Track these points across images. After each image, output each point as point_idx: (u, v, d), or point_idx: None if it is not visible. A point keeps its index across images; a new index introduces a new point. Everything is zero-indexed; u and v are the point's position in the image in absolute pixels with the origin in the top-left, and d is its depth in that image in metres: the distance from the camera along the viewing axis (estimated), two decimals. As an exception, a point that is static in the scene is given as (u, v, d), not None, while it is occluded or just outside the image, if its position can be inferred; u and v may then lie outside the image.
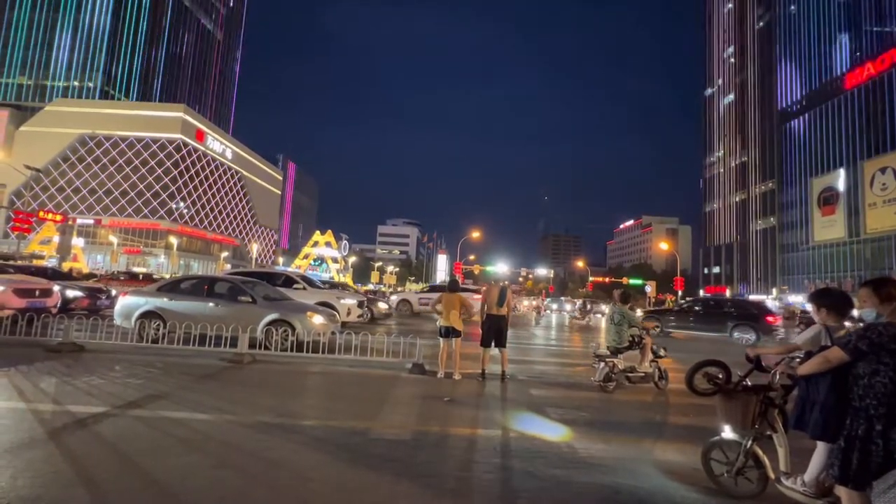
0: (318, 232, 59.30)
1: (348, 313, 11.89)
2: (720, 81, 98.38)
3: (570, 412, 5.19)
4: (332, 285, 15.10)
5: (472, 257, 67.77)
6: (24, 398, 4.55)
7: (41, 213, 35.01)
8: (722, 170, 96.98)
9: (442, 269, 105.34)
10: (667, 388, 6.60)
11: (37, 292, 9.33)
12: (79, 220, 65.80)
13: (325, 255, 54.68)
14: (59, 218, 35.64)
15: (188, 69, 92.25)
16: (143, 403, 4.58)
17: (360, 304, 12.77)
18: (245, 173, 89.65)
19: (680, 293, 50.49)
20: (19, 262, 16.62)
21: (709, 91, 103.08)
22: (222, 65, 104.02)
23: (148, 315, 8.41)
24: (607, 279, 74.83)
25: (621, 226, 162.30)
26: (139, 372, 6.03)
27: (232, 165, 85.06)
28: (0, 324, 7.65)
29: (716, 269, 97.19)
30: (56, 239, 39.48)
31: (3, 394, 4.71)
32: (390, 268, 78.61)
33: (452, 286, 7.26)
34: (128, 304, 8.59)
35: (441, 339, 6.97)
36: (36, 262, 24.78)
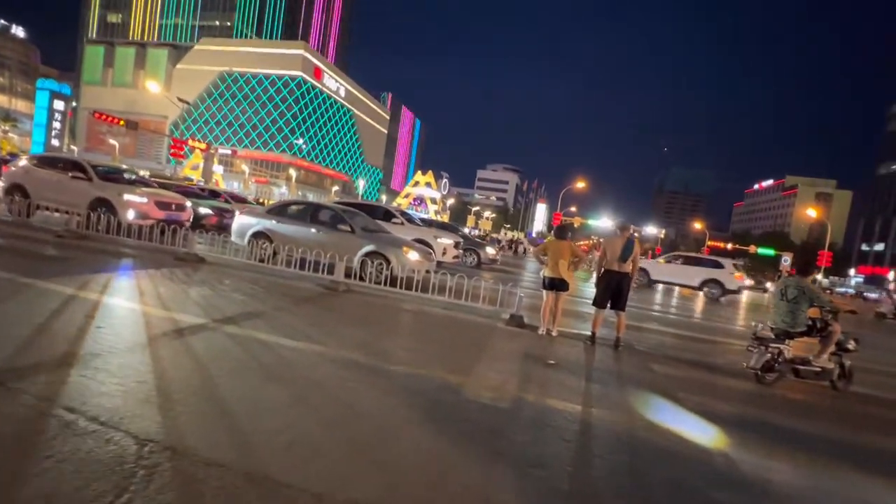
0: (419, 172, 60.14)
1: (444, 253, 11.49)
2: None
3: (713, 403, 4.09)
4: (433, 224, 14.82)
5: (573, 208, 64.06)
6: (142, 301, 4.77)
7: (190, 141, 39.95)
8: (914, 122, 76.37)
9: (540, 218, 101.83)
10: (848, 390, 5.05)
11: (173, 206, 10.28)
12: (220, 150, 75.39)
13: (424, 196, 55.58)
14: (203, 146, 40.51)
15: (309, 9, 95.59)
16: (239, 320, 4.53)
17: (457, 245, 12.29)
18: (356, 111, 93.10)
19: (823, 270, 42.55)
20: (173, 182, 18.82)
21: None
22: (339, 2, 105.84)
23: (259, 235, 8.77)
24: (729, 245, 66.00)
25: (756, 186, 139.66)
26: (244, 288, 6.18)
27: (345, 103, 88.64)
28: (143, 232, 8.52)
29: (879, 247, 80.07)
30: (202, 165, 45.36)
31: (128, 294, 5.01)
32: (487, 213, 77.95)
33: (561, 232, 6.24)
34: (242, 223, 9.03)
35: (545, 292, 6.12)
36: (188, 184, 28.60)
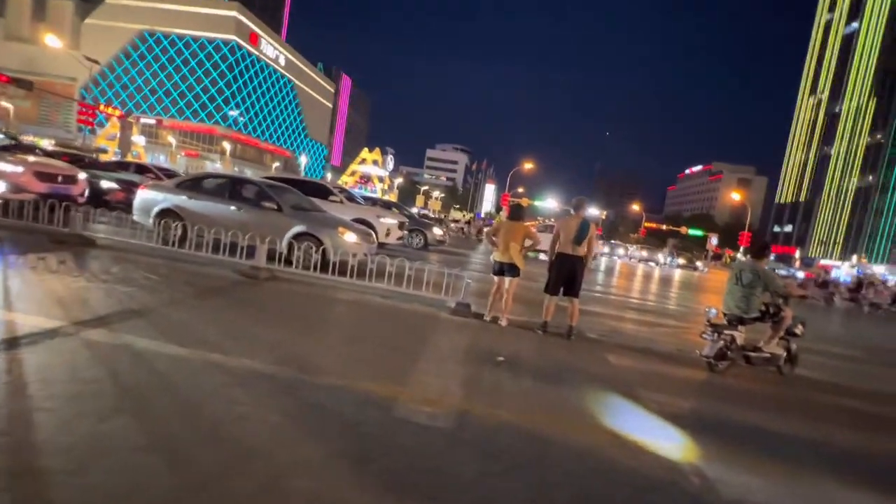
0: (366, 149, 57.96)
1: (387, 234, 10.67)
2: (844, 4, 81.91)
3: (673, 400, 3.73)
4: (377, 203, 13.84)
5: (520, 189, 64.84)
6: (-23, 297, 3.63)
7: (101, 107, 35.40)
8: (821, 114, 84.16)
9: (489, 199, 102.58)
10: (792, 374, 4.96)
11: (59, 178, 8.61)
12: (142, 119, 68.07)
13: (371, 174, 53.72)
14: (118, 113, 36.13)
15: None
16: (112, 321, 3.54)
17: (402, 226, 11.48)
18: (298, 83, 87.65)
19: (743, 249, 46.24)
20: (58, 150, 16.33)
21: (826, 17, 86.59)
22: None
23: (166, 213, 7.49)
24: (664, 226, 70.12)
25: (687, 171, 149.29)
26: (136, 277, 5.08)
27: (285, 73, 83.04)
28: (21, 208, 6.98)
29: (787, 228, 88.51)
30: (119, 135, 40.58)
31: (-41, 288, 3.82)
32: (436, 193, 77.19)
33: (515, 212, 5.69)
34: (145, 198, 7.67)
35: (495, 277, 5.58)
36: (101, 157, 25.20)
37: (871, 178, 68.99)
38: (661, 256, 38.68)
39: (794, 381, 4.88)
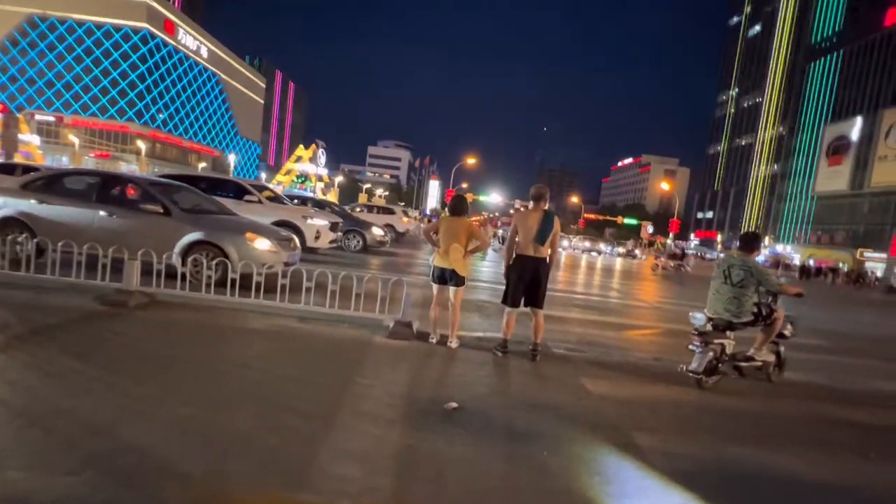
0: (301, 146, 54.82)
1: (317, 237, 9.26)
2: (748, 9, 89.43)
3: (675, 446, 2.86)
4: (308, 201, 12.28)
5: (464, 185, 64.65)
6: None
7: (-24, 100, 30.24)
8: (733, 110, 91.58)
9: (434, 195, 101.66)
10: (781, 379, 4.34)
11: None
12: (38, 117, 59.72)
13: (308, 172, 50.84)
14: (-1, 107, 31.12)
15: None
16: None
17: (336, 227, 10.09)
18: (224, 77, 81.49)
19: (672, 236, 48.97)
20: None
21: (734, 20, 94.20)
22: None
23: (8, 222, 5.69)
24: (601, 217, 73.19)
25: (619, 163, 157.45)
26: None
27: (209, 66, 76.81)
28: None
29: (709, 214, 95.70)
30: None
31: None
32: (379, 191, 75.12)
33: (457, 205, 4.57)
34: (-25, 205, 5.80)
35: (434, 286, 4.50)
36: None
37: (776, 167, 76.12)
38: (602, 246, 39.78)
39: (787, 389, 4.25)
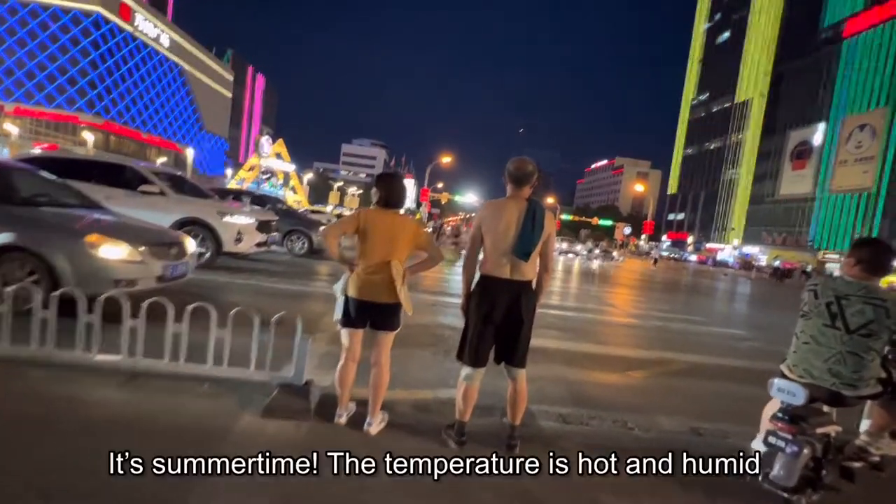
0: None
1: (238, 239, 7.29)
2: (718, 16, 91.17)
3: None
4: (230, 194, 10.28)
5: (440, 185, 63.03)
6: None
7: None
8: (703, 114, 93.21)
9: (409, 195, 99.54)
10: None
11: None
12: (-26, 104, 54.61)
13: (274, 168, 48.02)
14: None
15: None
16: None
17: (265, 226, 8.12)
18: (188, 67, 77.16)
19: (645, 237, 48.70)
20: None
21: (705, 26, 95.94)
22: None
23: None
24: (576, 218, 73.60)
25: (593, 165, 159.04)
26: None
27: (171, 56, 72.48)
28: None
29: (680, 216, 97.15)
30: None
31: None
32: (352, 189, 72.55)
33: (390, 192, 2.68)
34: None
35: (344, 333, 2.69)
36: None
37: (742, 170, 77.84)
38: (580, 247, 38.79)
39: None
